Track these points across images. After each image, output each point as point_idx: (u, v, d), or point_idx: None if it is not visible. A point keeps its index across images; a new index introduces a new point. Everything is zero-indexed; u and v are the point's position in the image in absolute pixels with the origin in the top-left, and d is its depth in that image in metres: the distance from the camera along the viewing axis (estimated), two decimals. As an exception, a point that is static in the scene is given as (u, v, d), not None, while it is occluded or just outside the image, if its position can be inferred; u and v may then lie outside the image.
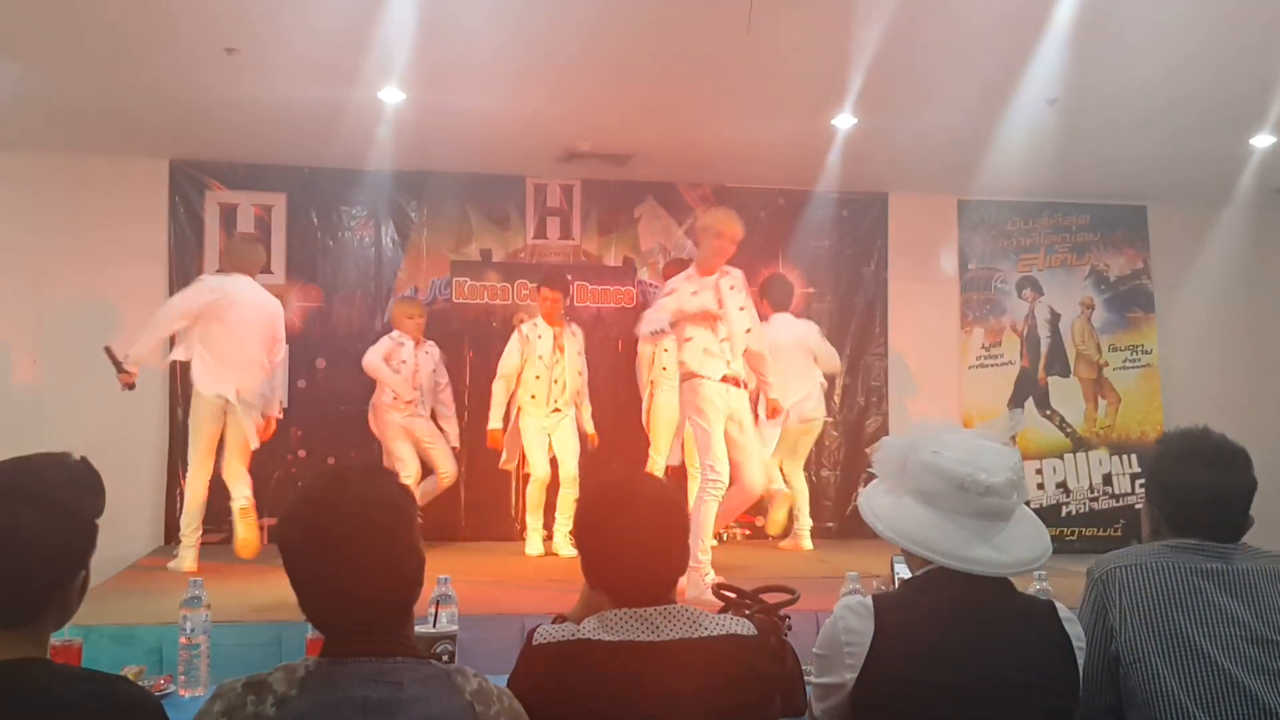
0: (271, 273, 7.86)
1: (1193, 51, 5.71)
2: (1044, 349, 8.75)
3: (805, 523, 7.53)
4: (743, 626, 2.12)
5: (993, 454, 2.14)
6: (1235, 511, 2.38)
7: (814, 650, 2.16)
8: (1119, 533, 8.45)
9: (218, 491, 7.83)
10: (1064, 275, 8.80)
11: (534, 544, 7.24)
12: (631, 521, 2.08)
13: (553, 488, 7.22)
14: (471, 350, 8.05)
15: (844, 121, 6.77)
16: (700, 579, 5.20)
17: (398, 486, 1.82)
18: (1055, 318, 8.77)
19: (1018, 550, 2.12)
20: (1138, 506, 8.48)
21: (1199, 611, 2.26)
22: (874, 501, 2.24)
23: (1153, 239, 8.88)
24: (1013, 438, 8.50)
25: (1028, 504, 2.22)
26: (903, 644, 2.04)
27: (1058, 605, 2.16)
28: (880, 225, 8.71)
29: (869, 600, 2.10)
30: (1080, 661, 2.08)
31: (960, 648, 2.03)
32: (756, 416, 6.07)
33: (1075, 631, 2.12)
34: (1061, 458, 8.66)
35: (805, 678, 2.31)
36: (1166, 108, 6.52)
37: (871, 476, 2.34)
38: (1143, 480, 8.54)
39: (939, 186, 8.41)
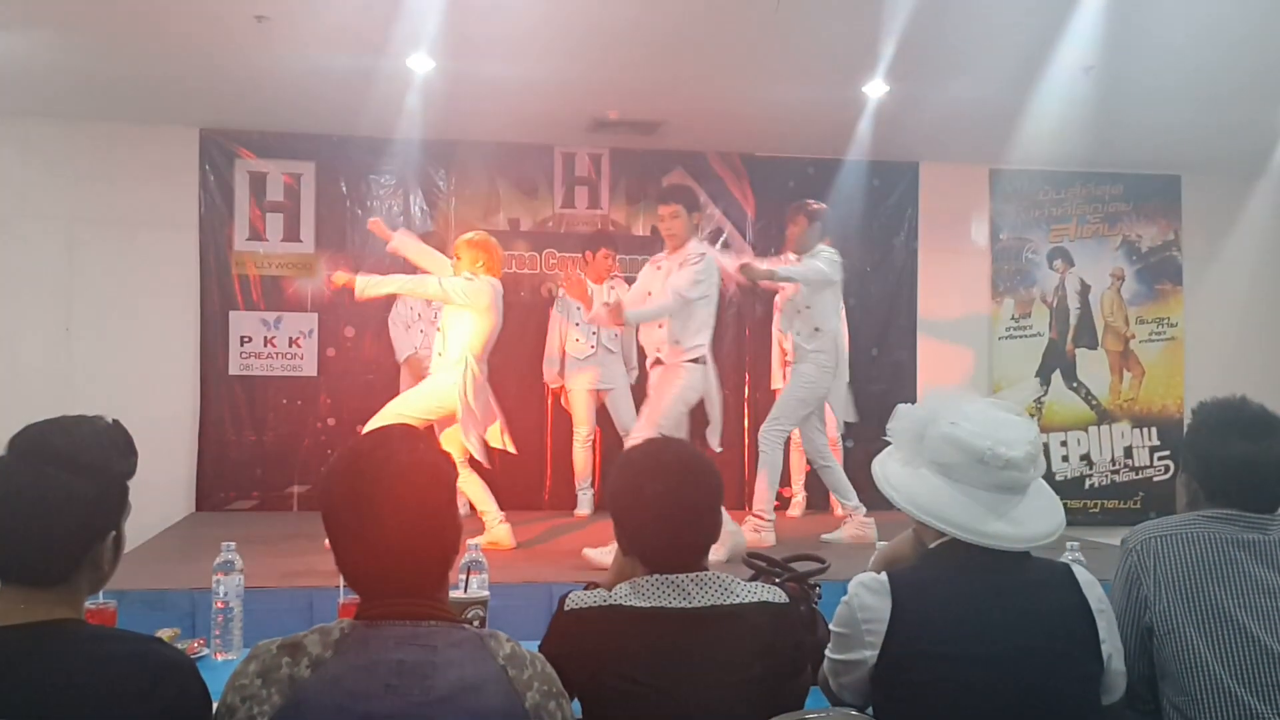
0: (301, 241, 7.91)
1: (1231, 20, 5.62)
2: (1073, 321, 8.71)
3: None
4: (774, 594, 2.12)
5: (1011, 426, 2.13)
6: (1272, 482, 2.36)
7: (832, 628, 2.15)
8: (1138, 505, 8.50)
9: (251, 458, 7.92)
10: (1095, 246, 8.73)
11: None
12: (665, 488, 2.09)
13: None
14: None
15: (875, 89, 6.71)
16: None
17: (438, 452, 1.84)
18: (1085, 289, 8.72)
19: (1033, 524, 2.11)
20: (1157, 479, 8.56)
21: (1235, 582, 2.24)
22: (889, 471, 2.23)
23: (1185, 210, 8.79)
24: (1038, 406, 8.49)
25: (1052, 476, 2.21)
26: (923, 618, 2.03)
27: (1075, 569, 2.15)
28: (911, 195, 8.64)
29: (884, 577, 2.09)
30: (1100, 625, 2.07)
31: (981, 619, 2.03)
32: None
33: (1095, 594, 2.10)
34: (1085, 430, 8.64)
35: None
36: (1204, 76, 6.42)
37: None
38: (1162, 453, 8.61)
39: (971, 156, 8.34)
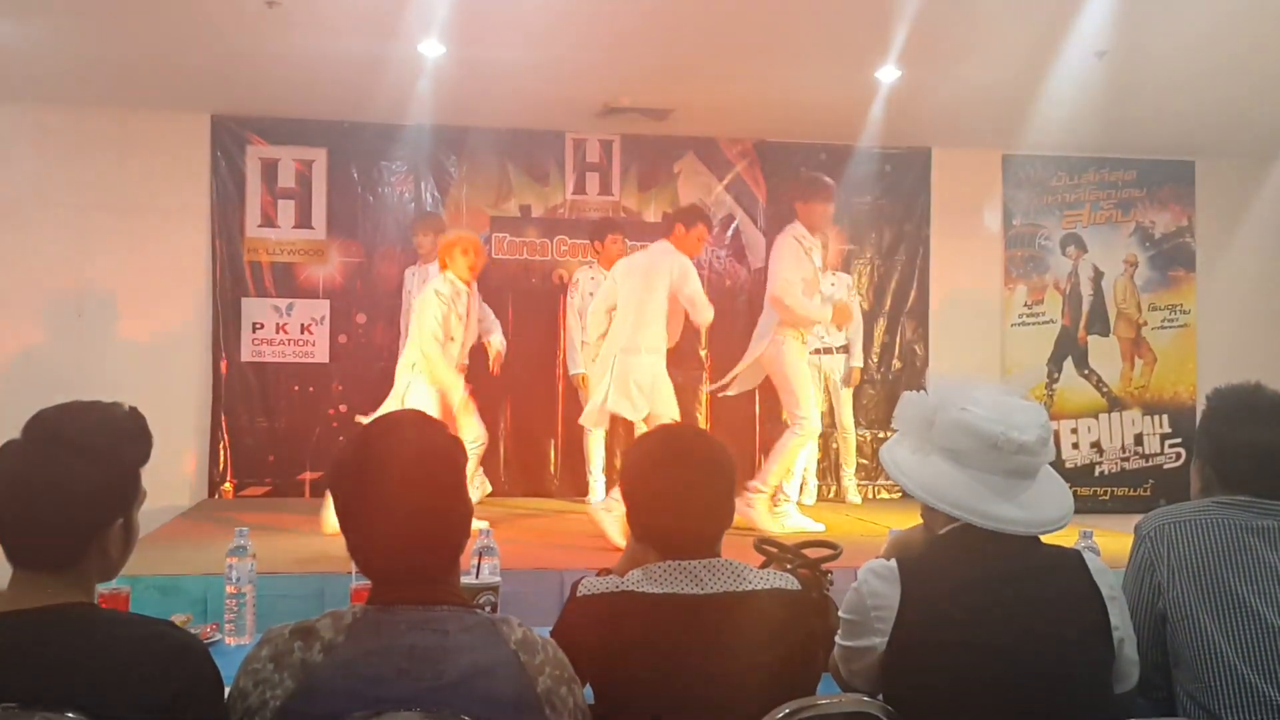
0: (313, 228, 7.91)
1: (1245, 4, 5.58)
2: (1085, 307, 8.67)
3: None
4: (786, 581, 2.12)
5: (1022, 410, 2.12)
6: (1287, 469, 2.34)
7: (841, 614, 2.15)
8: (1148, 492, 8.49)
9: (263, 444, 7.93)
10: (1109, 232, 8.69)
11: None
12: (678, 474, 2.09)
13: None
14: (511, 307, 8.04)
15: (888, 74, 6.68)
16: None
17: (448, 437, 1.84)
18: (1098, 276, 8.68)
19: (1044, 509, 2.11)
20: (1167, 467, 8.55)
21: (1249, 569, 2.23)
22: (900, 458, 2.22)
23: (1199, 196, 8.74)
24: (1049, 392, 8.46)
25: (1061, 463, 2.20)
26: (932, 605, 2.03)
27: (1086, 555, 2.14)
28: (923, 181, 8.60)
29: (893, 564, 2.09)
30: (1112, 612, 2.06)
31: (991, 606, 2.02)
32: None
33: (1106, 581, 2.10)
34: (1096, 417, 8.61)
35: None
36: (1217, 61, 6.38)
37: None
38: (1174, 440, 8.58)
39: (984, 141, 8.30)
